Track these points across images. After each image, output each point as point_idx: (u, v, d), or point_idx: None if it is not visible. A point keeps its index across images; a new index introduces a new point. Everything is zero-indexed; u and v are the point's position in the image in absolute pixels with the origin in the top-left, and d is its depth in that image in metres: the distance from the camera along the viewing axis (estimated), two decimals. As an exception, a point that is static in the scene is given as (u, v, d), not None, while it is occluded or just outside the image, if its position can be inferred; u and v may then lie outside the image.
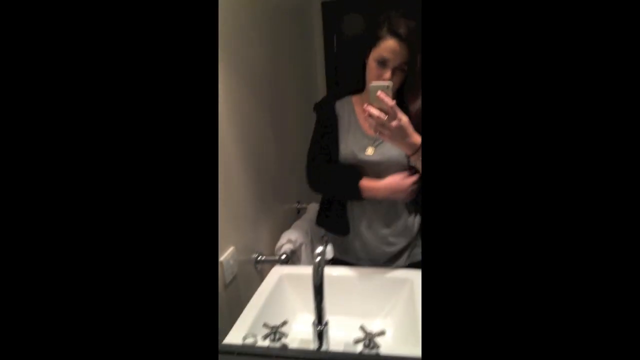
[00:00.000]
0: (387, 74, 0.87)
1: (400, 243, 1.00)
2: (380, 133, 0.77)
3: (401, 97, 0.90)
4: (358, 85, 1.00)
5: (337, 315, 0.85)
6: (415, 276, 0.91)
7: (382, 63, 0.87)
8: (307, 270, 0.71)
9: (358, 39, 1.94)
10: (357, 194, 0.95)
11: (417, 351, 0.70)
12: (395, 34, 0.85)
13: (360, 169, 0.96)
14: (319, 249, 0.71)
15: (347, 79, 1.07)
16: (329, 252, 0.79)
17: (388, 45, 0.86)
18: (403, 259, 1.01)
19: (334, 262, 1.06)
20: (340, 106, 1.03)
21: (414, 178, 0.92)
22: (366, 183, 0.94)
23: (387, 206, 0.98)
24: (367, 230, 1.00)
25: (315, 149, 1.04)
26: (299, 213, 1.56)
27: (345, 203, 1.02)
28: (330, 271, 0.96)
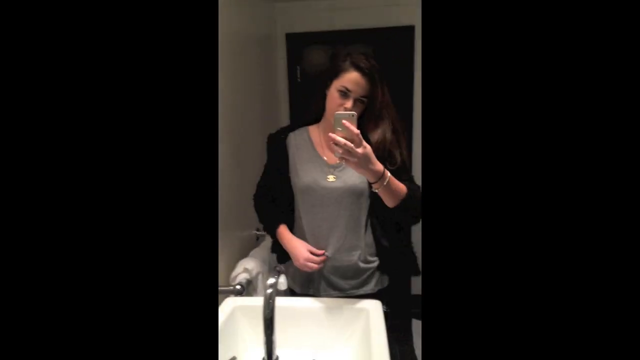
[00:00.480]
0: (349, 103, 0.90)
1: (365, 271, 1.00)
2: (345, 160, 0.79)
3: (360, 127, 0.93)
4: (318, 115, 1.03)
5: (289, 349, 0.82)
6: (371, 306, 0.91)
7: (344, 94, 0.91)
8: (262, 302, 0.69)
9: (320, 70, 2.01)
10: (273, 235, 1.04)
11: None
12: (357, 67, 0.90)
13: (318, 197, 0.98)
14: (271, 280, 0.70)
15: (309, 108, 1.10)
16: (282, 283, 0.78)
17: (351, 77, 0.90)
18: (371, 286, 1.01)
19: (296, 295, 1.04)
20: (295, 137, 1.05)
21: (315, 258, 0.94)
22: (281, 231, 1.02)
23: (344, 236, 0.99)
24: (327, 263, 0.99)
25: (262, 178, 1.10)
26: (257, 240, 1.53)
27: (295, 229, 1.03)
28: (283, 302, 0.94)
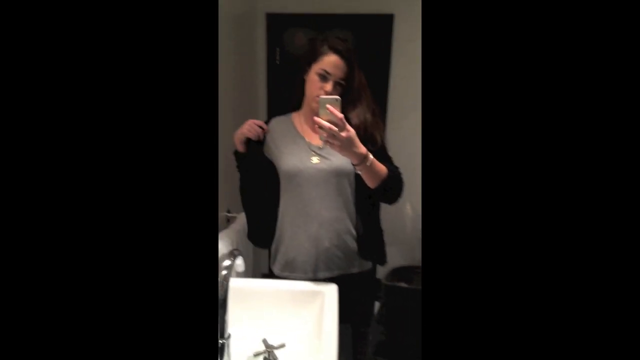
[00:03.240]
0: (328, 86, 0.92)
1: (352, 252, 1.02)
2: (330, 144, 0.81)
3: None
4: (298, 102, 1.04)
5: (243, 328, 0.85)
6: (327, 289, 0.94)
7: (324, 77, 0.93)
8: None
9: (299, 53, 1.99)
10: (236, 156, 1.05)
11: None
12: (336, 50, 0.92)
13: (304, 179, 0.99)
14: (226, 262, 0.72)
15: (288, 92, 1.11)
16: (240, 265, 0.80)
17: (330, 60, 0.92)
18: (355, 268, 1.03)
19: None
20: (278, 123, 1.07)
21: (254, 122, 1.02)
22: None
23: (332, 217, 1.00)
24: (308, 242, 1.00)
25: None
26: (228, 222, 1.55)
27: (270, 213, 1.04)
28: (242, 283, 0.97)
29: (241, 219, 1.54)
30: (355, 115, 0.96)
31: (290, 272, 1.04)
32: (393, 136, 1.34)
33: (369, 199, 1.00)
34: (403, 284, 1.85)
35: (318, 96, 0.90)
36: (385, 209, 1.07)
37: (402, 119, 2.01)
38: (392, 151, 1.04)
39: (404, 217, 2.11)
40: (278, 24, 2.00)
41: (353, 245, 1.02)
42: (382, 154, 0.95)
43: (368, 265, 1.06)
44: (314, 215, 0.99)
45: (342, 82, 0.94)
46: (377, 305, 1.62)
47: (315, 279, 1.00)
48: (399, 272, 1.93)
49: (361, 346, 1.05)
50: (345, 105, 0.95)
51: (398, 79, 2.04)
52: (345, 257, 1.02)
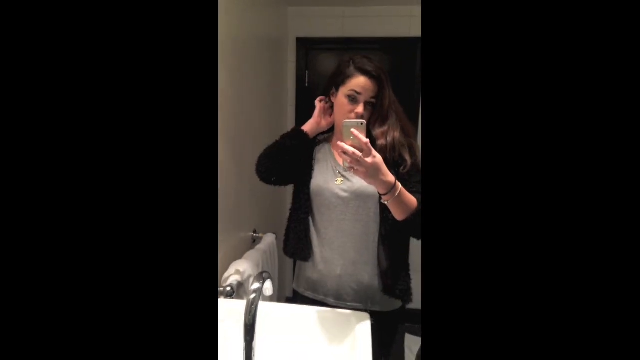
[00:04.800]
0: (359, 108, 0.89)
1: (370, 287, 0.95)
2: (354, 170, 0.75)
3: (369, 129, 0.90)
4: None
5: (270, 356, 0.81)
6: (359, 318, 0.89)
7: (353, 98, 0.90)
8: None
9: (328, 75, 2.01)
10: (301, 134, 1.00)
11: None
12: (363, 71, 0.89)
13: (326, 199, 0.96)
14: (255, 285, 0.68)
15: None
16: (268, 289, 0.76)
17: (358, 82, 0.89)
18: (376, 304, 0.95)
19: (299, 298, 1.02)
20: (322, 140, 1.06)
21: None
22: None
23: (351, 242, 0.95)
24: (335, 264, 0.96)
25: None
26: (254, 242, 1.52)
27: (307, 228, 1.00)
28: (269, 308, 0.92)
29: (266, 240, 1.51)
30: (383, 134, 0.91)
31: (309, 290, 1.01)
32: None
33: (398, 233, 0.92)
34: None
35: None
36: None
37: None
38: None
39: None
40: (308, 47, 2.03)
41: (372, 278, 0.94)
42: (413, 177, 0.89)
43: (396, 304, 0.97)
44: (328, 238, 0.95)
45: (373, 100, 0.91)
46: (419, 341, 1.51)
47: (325, 304, 0.96)
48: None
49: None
50: (372, 123, 0.92)
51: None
52: (359, 289, 0.94)
